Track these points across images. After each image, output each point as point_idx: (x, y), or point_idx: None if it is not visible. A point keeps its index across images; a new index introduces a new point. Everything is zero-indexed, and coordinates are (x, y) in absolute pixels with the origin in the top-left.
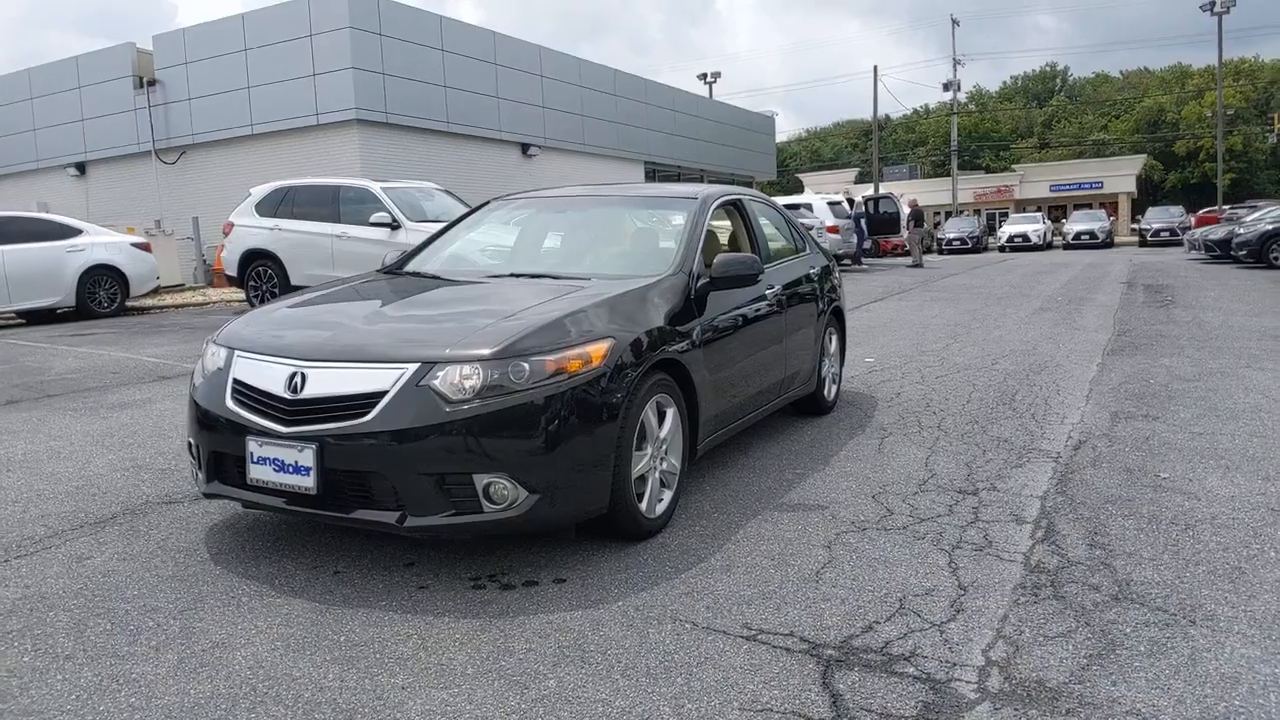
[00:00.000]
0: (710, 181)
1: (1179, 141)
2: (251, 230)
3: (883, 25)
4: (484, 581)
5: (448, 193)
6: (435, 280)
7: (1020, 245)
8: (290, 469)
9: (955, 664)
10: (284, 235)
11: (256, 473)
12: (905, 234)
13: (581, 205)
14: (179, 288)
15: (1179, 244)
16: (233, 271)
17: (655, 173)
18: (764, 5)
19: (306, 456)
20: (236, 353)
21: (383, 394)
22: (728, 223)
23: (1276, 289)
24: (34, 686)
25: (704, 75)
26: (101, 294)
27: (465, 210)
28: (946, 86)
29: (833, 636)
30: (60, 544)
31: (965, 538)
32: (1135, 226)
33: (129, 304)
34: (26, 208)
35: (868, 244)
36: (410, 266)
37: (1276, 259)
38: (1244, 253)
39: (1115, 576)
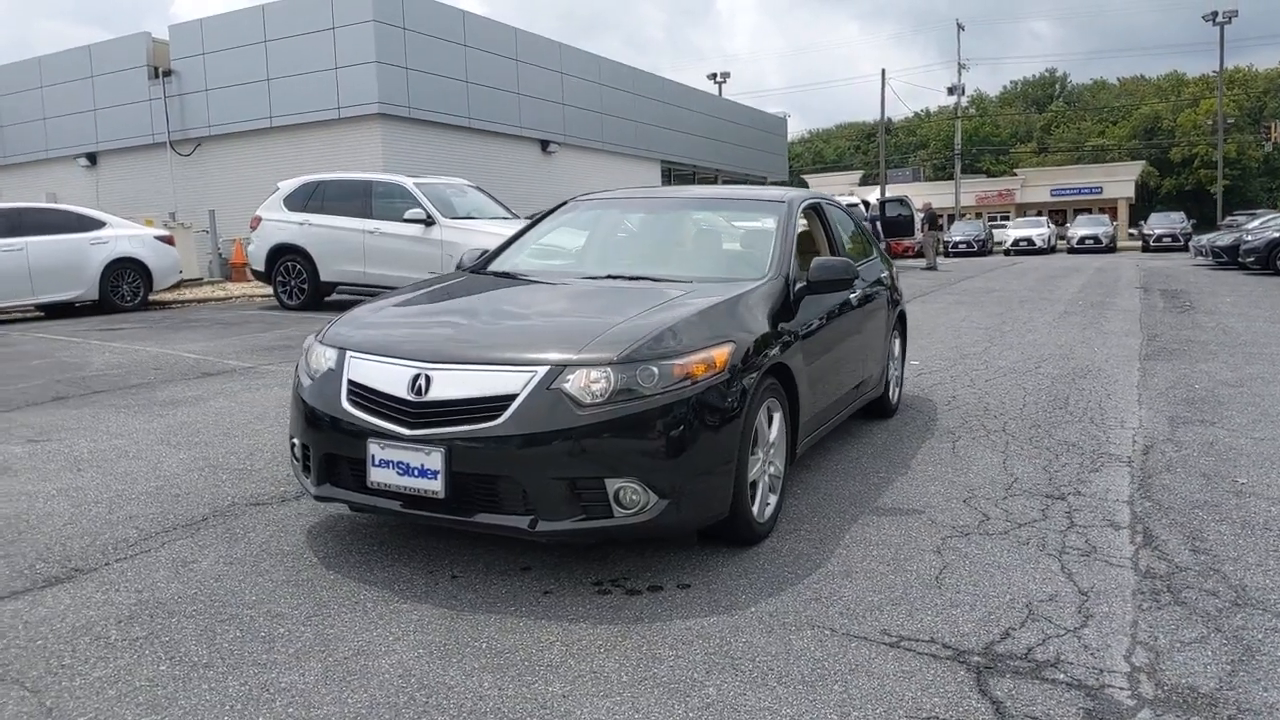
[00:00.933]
0: (724, 181)
1: (1174, 148)
2: (280, 225)
3: (882, 29)
4: (608, 586)
5: (479, 189)
6: (532, 282)
7: (1025, 249)
8: (415, 472)
9: (1102, 670)
10: (314, 230)
11: (378, 476)
12: (920, 236)
13: (665, 207)
14: (196, 282)
15: (1181, 249)
16: (260, 266)
17: (671, 172)
18: (764, 6)
19: (434, 460)
20: (349, 354)
21: (512, 397)
22: (805, 223)
23: None
24: (181, 696)
25: (713, 75)
26: (125, 288)
27: (500, 206)
28: (951, 90)
29: (973, 643)
30: (158, 546)
31: (1068, 543)
32: (1133, 231)
33: (151, 298)
34: (34, 198)
35: (881, 245)
36: (496, 266)
37: None
38: (1251, 259)
39: (1228, 582)
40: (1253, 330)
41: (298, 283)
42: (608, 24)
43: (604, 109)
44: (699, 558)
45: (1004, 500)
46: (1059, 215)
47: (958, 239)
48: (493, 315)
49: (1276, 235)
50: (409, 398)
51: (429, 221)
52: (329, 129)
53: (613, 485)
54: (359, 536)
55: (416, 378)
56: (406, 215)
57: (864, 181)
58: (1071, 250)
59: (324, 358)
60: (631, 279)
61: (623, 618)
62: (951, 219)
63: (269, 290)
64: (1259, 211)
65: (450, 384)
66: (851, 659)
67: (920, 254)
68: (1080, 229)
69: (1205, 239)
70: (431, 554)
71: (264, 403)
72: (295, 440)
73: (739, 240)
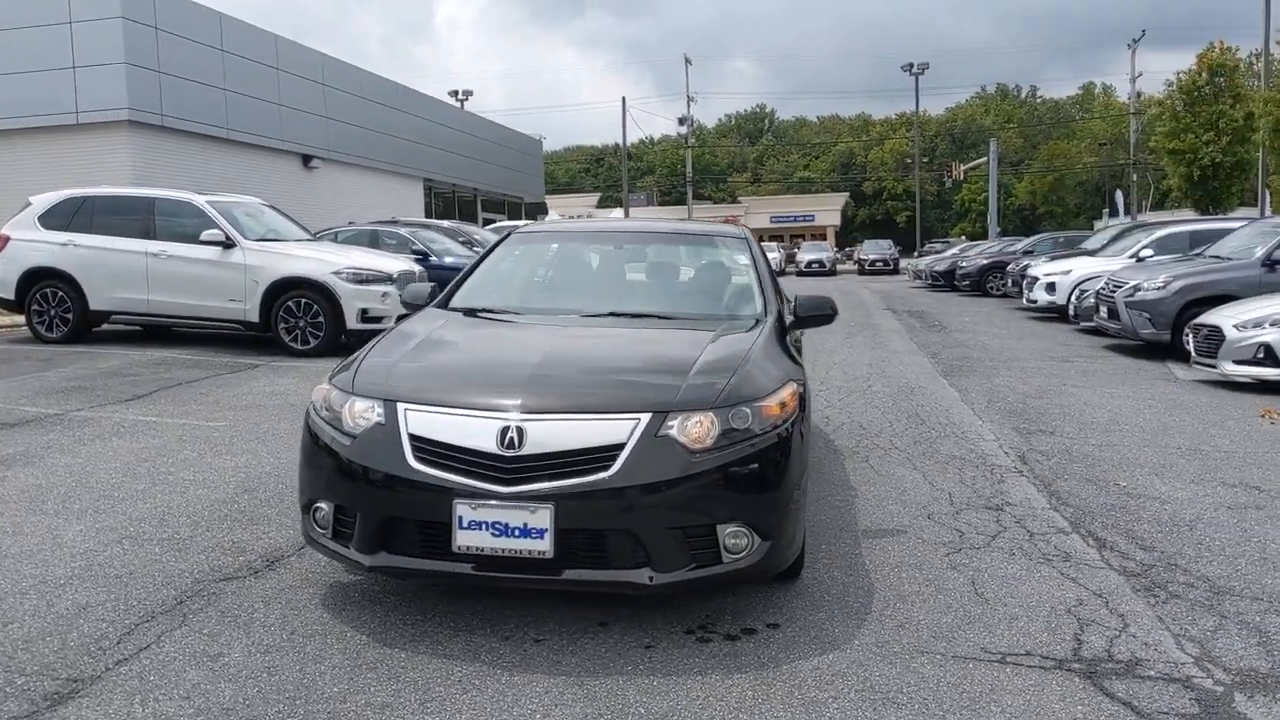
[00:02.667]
0: (482, 200)
1: (866, 182)
2: (36, 245)
3: (598, 56)
4: (702, 634)
5: (274, 208)
6: (536, 324)
7: (817, 271)
8: (517, 533)
9: (1174, 663)
10: (81, 252)
11: (467, 540)
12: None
13: (627, 242)
14: None
15: (891, 272)
16: (9, 294)
17: (432, 190)
18: (482, 27)
19: (541, 518)
20: (404, 405)
21: (620, 446)
22: None
23: (1008, 315)
24: None
25: (455, 93)
26: None
27: (298, 227)
28: (681, 120)
29: (1061, 651)
30: (154, 641)
31: (1043, 551)
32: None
33: None
34: None
35: None
36: (468, 304)
37: (992, 288)
38: (966, 283)
39: (1191, 574)
40: (1006, 346)
41: (59, 312)
42: (322, 36)
43: (367, 124)
44: (760, 596)
45: (960, 515)
46: (778, 239)
47: (810, 259)
48: (548, 359)
49: (986, 262)
50: (500, 452)
51: (228, 244)
52: (64, 136)
53: (723, 531)
54: (387, 605)
55: (506, 430)
56: (203, 236)
57: (601, 204)
58: (800, 273)
59: (366, 412)
60: (636, 316)
61: (746, 664)
62: None
63: (16, 320)
64: (951, 240)
65: (548, 435)
66: (983, 680)
67: None
68: (807, 254)
69: (923, 264)
70: (484, 618)
71: (120, 457)
72: (321, 505)
73: (719, 275)
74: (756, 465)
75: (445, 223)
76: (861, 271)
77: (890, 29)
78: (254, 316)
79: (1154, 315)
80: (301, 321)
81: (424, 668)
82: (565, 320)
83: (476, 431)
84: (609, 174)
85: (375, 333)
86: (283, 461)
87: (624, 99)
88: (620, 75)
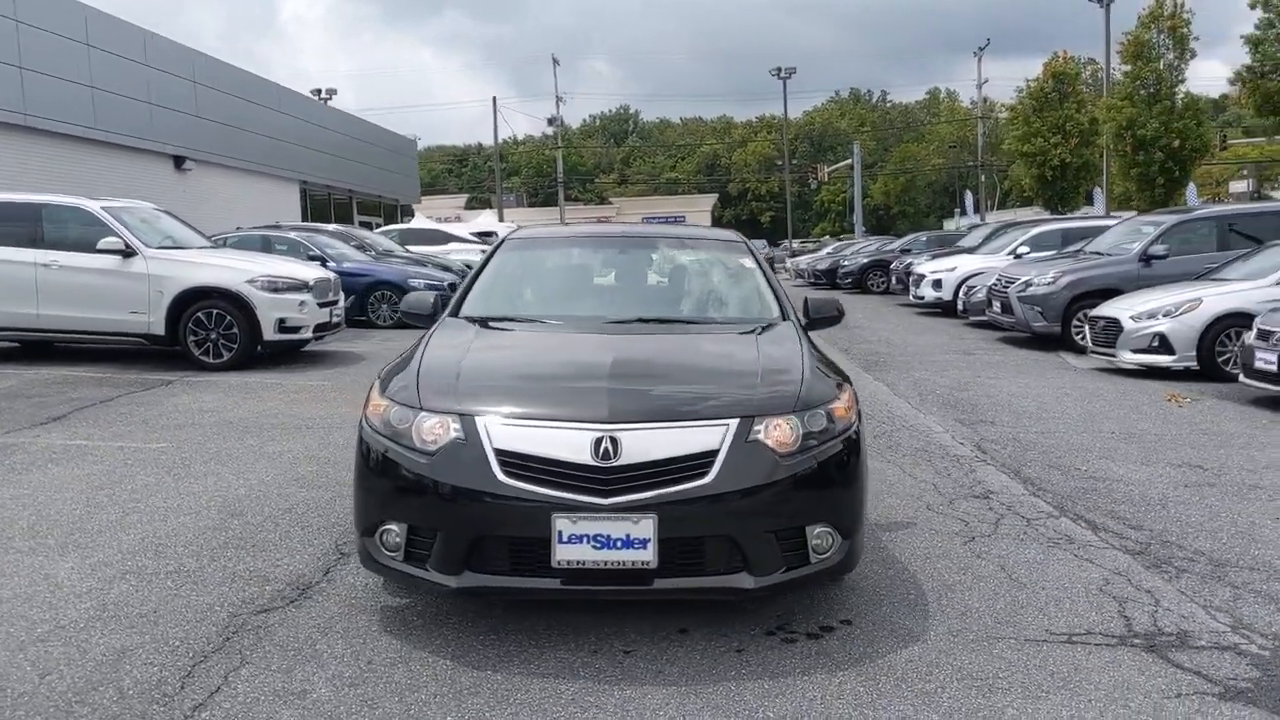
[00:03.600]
0: (358, 203)
1: (731, 183)
2: None
3: (456, 56)
4: (783, 635)
5: (169, 214)
6: (569, 330)
7: None
8: (620, 544)
9: (1216, 632)
10: None
11: (568, 554)
12: None
13: (634, 246)
14: None
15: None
16: None
17: (307, 193)
18: (331, 25)
19: (644, 528)
20: (483, 420)
21: (714, 452)
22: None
23: (897, 311)
24: None
25: (317, 91)
26: None
27: (196, 234)
28: (551, 121)
29: (1116, 628)
30: (221, 684)
31: (1048, 534)
32: None
33: None
34: None
35: None
36: (481, 313)
37: (873, 286)
38: (849, 281)
39: (1187, 549)
40: (908, 341)
41: None
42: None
43: (240, 123)
44: (819, 595)
45: (954, 505)
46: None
47: None
48: (617, 367)
49: (867, 260)
50: (596, 463)
51: (128, 252)
52: None
53: (811, 532)
54: (452, 626)
55: (600, 441)
56: (100, 245)
57: (469, 205)
58: None
59: (436, 427)
60: (663, 321)
61: (841, 661)
62: None
63: None
64: (818, 240)
65: (642, 444)
66: (1062, 660)
67: None
68: None
69: (804, 262)
70: (559, 632)
71: (71, 485)
72: (392, 527)
73: (729, 279)
74: (835, 466)
75: (330, 226)
76: None
77: (740, 33)
78: (159, 329)
79: (1045, 309)
80: (213, 334)
81: (528, 688)
82: (595, 327)
83: (568, 443)
84: (473, 174)
85: (293, 344)
86: (254, 483)
87: (494, 99)
88: (478, 75)
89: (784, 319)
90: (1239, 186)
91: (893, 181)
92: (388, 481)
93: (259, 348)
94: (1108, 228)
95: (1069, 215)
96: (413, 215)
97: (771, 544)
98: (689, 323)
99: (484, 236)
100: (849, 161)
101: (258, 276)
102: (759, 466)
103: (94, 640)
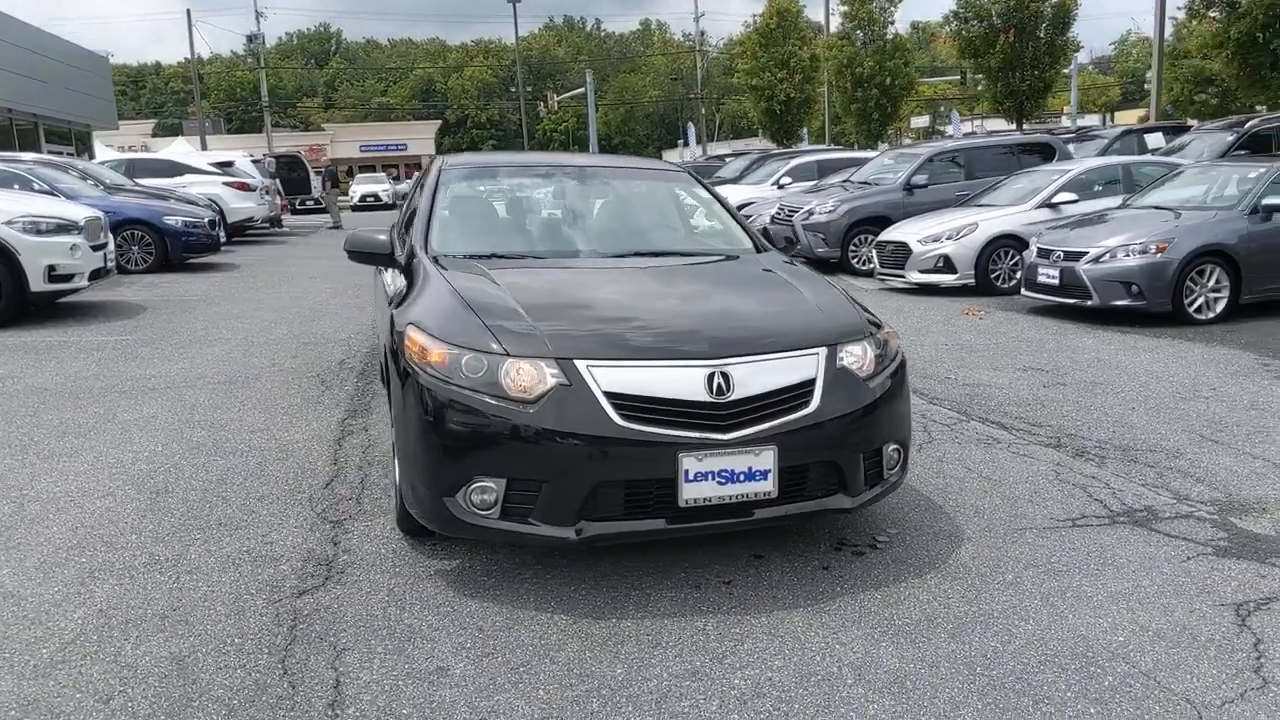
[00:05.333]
0: (45, 130)
1: (449, 109)
2: None
3: None
4: (852, 550)
5: None
6: (581, 266)
7: (372, 204)
8: (742, 477)
9: (1169, 505)
10: None
11: (694, 492)
12: (322, 194)
13: (590, 176)
14: None
15: (388, 207)
16: None
17: None
18: None
19: (765, 459)
20: (585, 364)
21: (812, 381)
22: None
23: None
24: None
25: None
26: None
27: None
28: (251, 39)
29: (1098, 510)
30: (297, 686)
31: (975, 436)
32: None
33: None
34: None
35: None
36: (458, 250)
37: None
38: None
39: (1091, 439)
40: None
41: None
42: None
43: None
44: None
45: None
46: (369, 170)
47: (364, 193)
48: (687, 303)
49: None
50: (714, 399)
51: None
52: None
53: (886, 450)
54: (524, 580)
55: (712, 376)
56: None
57: (156, 133)
58: (354, 209)
59: (534, 373)
60: (658, 254)
61: (918, 566)
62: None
63: None
64: None
65: (749, 377)
66: (1083, 542)
67: (324, 211)
68: (361, 187)
69: None
70: (645, 572)
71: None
72: (487, 483)
73: (693, 210)
74: (898, 386)
75: (27, 156)
76: (354, 209)
77: None
78: None
79: (827, 235)
80: None
81: (663, 631)
82: (604, 263)
83: (681, 381)
84: (153, 98)
85: (64, 294)
86: (147, 456)
87: (189, 11)
88: None
89: (767, 249)
90: (920, 121)
91: (612, 112)
92: (475, 435)
93: (28, 302)
94: (859, 159)
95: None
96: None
97: (860, 464)
98: (683, 254)
99: (223, 167)
100: (582, 90)
101: (17, 217)
102: (850, 392)
103: (130, 651)
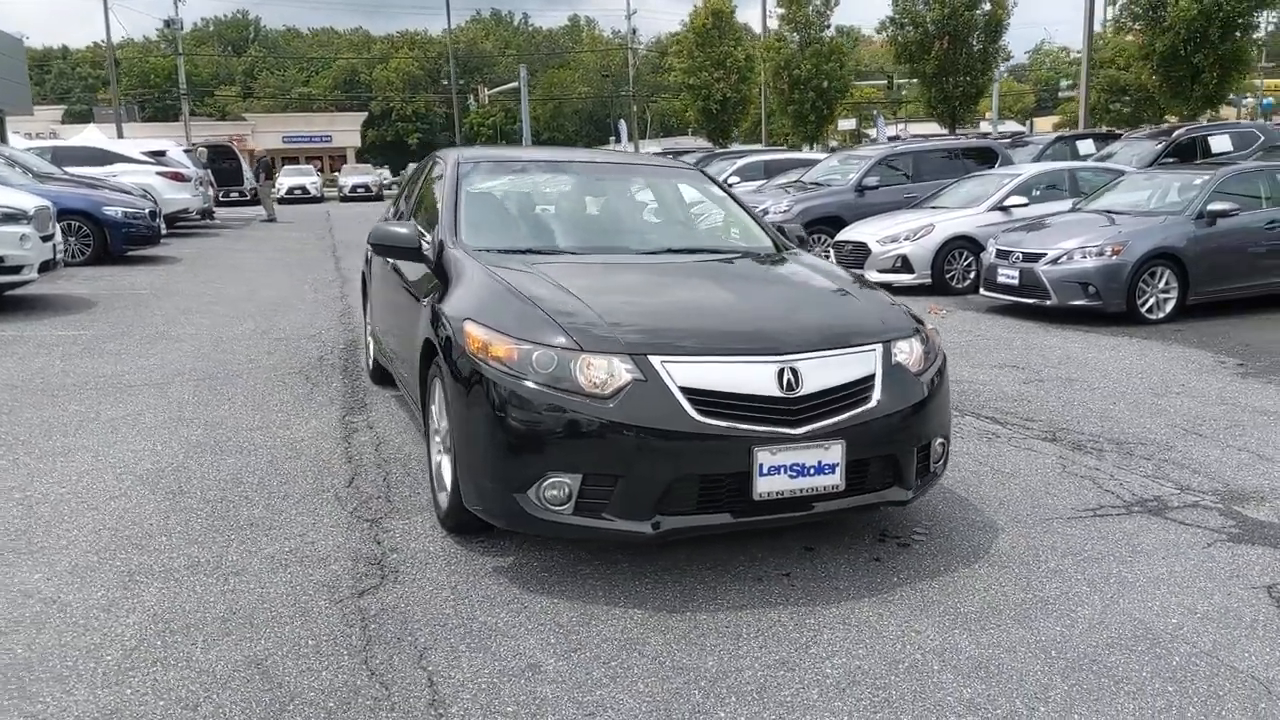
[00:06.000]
0: None
1: (373, 101)
2: None
3: None
4: (896, 542)
5: None
6: (605, 262)
7: (300, 197)
8: (811, 471)
9: (1175, 495)
10: None
11: (767, 486)
12: (257, 186)
13: (608, 174)
14: None
15: (377, 198)
16: None
17: None
18: None
19: (834, 453)
20: (659, 359)
21: (872, 377)
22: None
23: None
24: None
25: None
26: None
27: None
28: (169, 23)
29: (1114, 500)
30: (393, 689)
31: (975, 431)
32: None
33: None
34: None
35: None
36: (492, 245)
37: None
38: None
39: (1083, 433)
40: None
41: None
42: None
43: None
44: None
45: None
46: (293, 162)
47: (293, 185)
48: (742, 299)
49: None
50: (784, 394)
51: None
52: None
53: (934, 443)
54: (589, 576)
55: (782, 371)
56: None
57: (67, 119)
58: (344, 199)
59: (607, 368)
60: (692, 251)
61: (965, 556)
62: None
63: None
64: None
65: (817, 373)
66: (1108, 530)
67: (253, 203)
68: (351, 178)
69: None
70: (705, 566)
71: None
72: (562, 479)
73: (711, 207)
74: (943, 382)
75: None
76: (344, 199)
77: None
78: None
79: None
80: None
81: (739, 623)
82: (640, 259)
83: (754, 377)
84: (59, 83)
85: (12, 286)
86: (151, 454)
87: None
88: None
89: (788, 246)
90: (846, 124)
91: (541, 107)
92: (550, 430)
93: None
94: (806, 160)
95: (744, 149)
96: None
97: (914, 457)
98: (714, 251)
99: (156, 156)
100: (514, 85)
101: None
102: (905, 387)
103: (201, 656)
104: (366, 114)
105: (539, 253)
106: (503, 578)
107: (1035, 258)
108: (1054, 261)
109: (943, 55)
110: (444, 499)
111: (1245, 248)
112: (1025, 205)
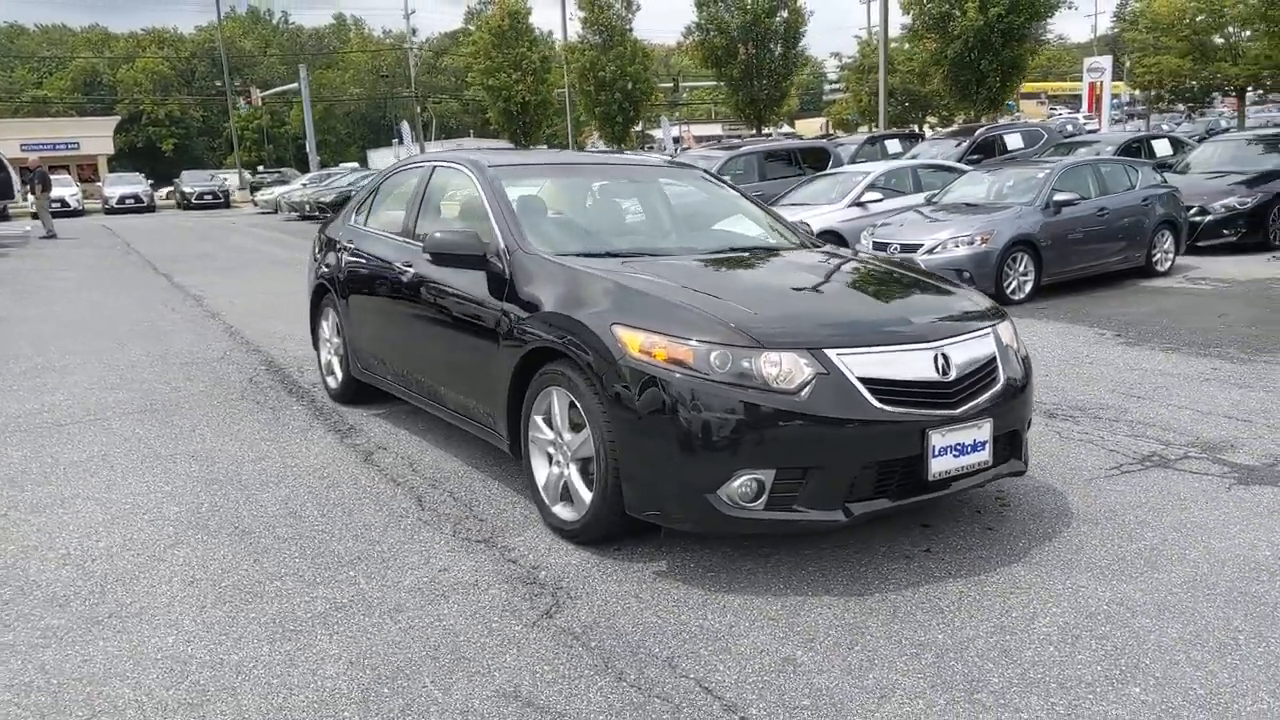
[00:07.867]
0: None
1: (119, 104)
2: None
3: None
4: (989, 512)
5: None
6: (706, 263)
7: (59, 211)
8: (969, 449)
9: (1164, 451)
10: None
11: (939, 465)
12: (33, 200)
13: (640, 177)
14: None
15: (149, 209)
16: None
17: None
18: None
19: (985, 431)
20: (834, 352)
21: (994, 357)
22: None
23: None
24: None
25: None
26: None
27: None
28: None
29: (1124, 459)
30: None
31: None
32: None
33: None
34: None
35: None
36: (555, 249)
37: None
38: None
39: (1053, 406)
40: None
41: None
42: None
43: None
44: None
45: None
46: (28, 172)
47: (124, 193)
48: (858, 291)
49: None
50: (941, 378)
51: None
52: None
53: (1026, 420)
54: (718, 569)
55: (936, 357)
56: None
57: None
58: (109, 211)
59: (789, 364)
60: (749, 250)
61: (1048, 524)
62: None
63: None
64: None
65: (961, 356)
66: (1134, 486)
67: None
68: (118, 188)
69: (296, 196)
70: (845, 550)
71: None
72: (756, 474)
73: (734, 207)
74: (1031, 362)
75: None
76: (108, 211)
77: None
78: None
79: None
80: None
81: (928, 598)
82: (718, 257)
83: (916, 363)
84: None
85: None
86: (154, 491)
87: None
88: None
89: (818, 243)
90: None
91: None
92: (739, 428)
93: None
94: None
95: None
96: None
97: (1024, 430)
98: (769, 249)
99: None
100: (287, 87)
101: None
102: (1016, 367)
103: (442, 696)
104: (119, 119)
105: (616, 255)
106: (676, 581)
107: (913, 248)
108: (930, 251)
109: (748, 60)
110: (568, 512)
111: (1083, 233)
112: (880, 201)
